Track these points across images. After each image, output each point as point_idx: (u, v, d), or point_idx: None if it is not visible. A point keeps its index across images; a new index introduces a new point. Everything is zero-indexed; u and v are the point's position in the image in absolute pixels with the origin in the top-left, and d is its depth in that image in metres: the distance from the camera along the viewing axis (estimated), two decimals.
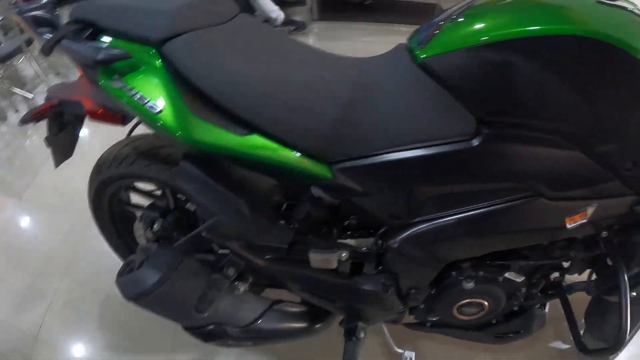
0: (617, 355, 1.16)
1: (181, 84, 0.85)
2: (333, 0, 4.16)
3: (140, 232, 1.31)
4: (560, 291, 1.10)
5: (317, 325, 1.16)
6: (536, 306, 1.12)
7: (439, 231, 0.88)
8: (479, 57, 0.73)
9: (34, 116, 1.07)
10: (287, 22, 3.52)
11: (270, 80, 0.85)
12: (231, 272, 1.04)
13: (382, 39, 3.60)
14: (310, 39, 3.60)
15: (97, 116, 1.00)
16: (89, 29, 0.90)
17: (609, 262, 0.98)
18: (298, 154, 0.84)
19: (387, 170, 0.82)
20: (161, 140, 1.13)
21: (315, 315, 1.15)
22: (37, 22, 0.93)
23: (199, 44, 0.86)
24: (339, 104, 0.83)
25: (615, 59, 0.70)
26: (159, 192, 1.28)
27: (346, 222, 1.04)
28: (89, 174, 1.23)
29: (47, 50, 0.88)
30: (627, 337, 0.93)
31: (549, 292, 1.11)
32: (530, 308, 1.12)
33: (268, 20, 3.44)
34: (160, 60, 0.85)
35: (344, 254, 0.97)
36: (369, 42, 3.57)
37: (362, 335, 1.09)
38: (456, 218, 0.86)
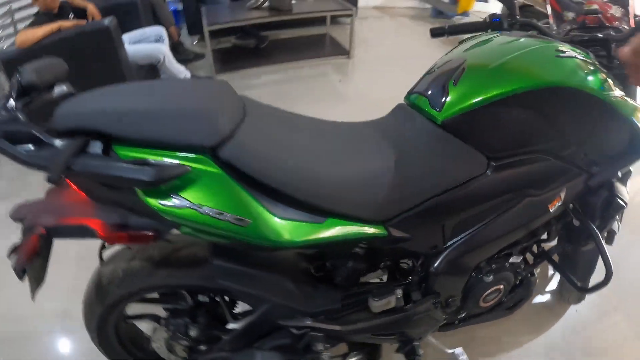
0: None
1: (248, 187, 0.83)
2: (229, 50, 4.31)
3: (159, 343, 1.19)
4: (546, 256, 1.39)
5: None
6: (529, 275, 1.39)
7: (466, 247, 1.09)
8: (487, 113, 0.97)
9: (27, 258, 0.83)
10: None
11: (333, 167, 0.92)
12: (320, 347, 1.06)
13: (287, 77, 3.85)
14: None
15: (118, 239, 0.88)
16: (97, 142, 0.76)
17: (576, 224, 1.29)
18: (361, 224, 0.94)
19: (428, 216, 1.00)
20: (169, 244, 1.06)
21: (371, 353, 1.27)
22: (11, 139, 0.74)
23: (253, 144, 0.85)
24: (390, 171, 0.95)
25: (575, 96, 1.01)
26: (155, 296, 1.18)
27: (382, 265, 1.18)
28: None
29: (57, 178, 0.71)
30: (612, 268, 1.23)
31: (538, 260, 1.40)
32: (526, 278, 1.39)
33: None
34: (219, 168, 0.80)
35: (399, 291, 1.12)
36: (273, 82, 3.77)
37: (421, 352, 1.23)
38: (475, 233, 1.08)
